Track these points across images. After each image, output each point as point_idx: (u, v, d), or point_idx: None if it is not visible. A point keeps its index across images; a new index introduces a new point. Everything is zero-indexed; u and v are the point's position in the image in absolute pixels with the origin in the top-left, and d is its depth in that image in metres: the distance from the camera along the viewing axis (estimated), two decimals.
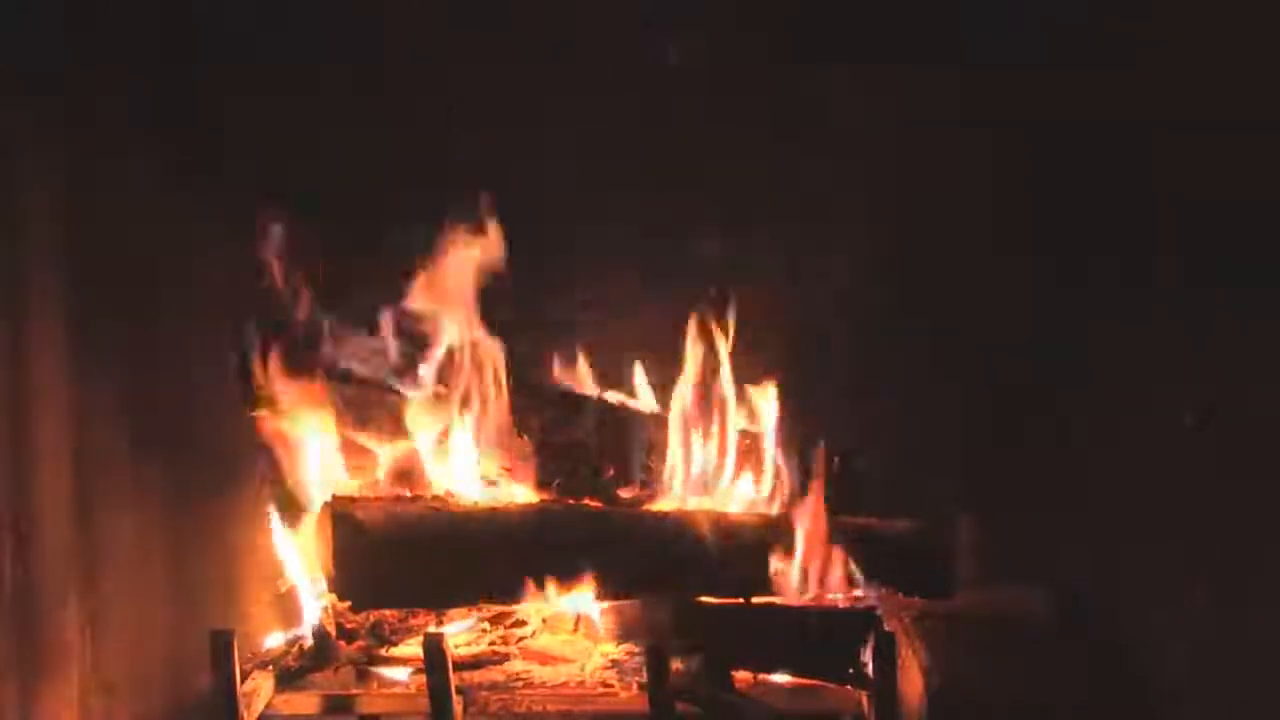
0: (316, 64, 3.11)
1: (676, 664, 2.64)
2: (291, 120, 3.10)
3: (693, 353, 3.07)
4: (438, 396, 2.99)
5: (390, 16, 3.13)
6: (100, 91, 2.86)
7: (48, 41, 2.74)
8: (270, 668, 2.75)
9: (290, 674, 2.77)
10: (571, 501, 2.97)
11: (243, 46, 3.06)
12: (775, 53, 3.19)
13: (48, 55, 2.74)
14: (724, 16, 3.16)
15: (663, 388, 3.13)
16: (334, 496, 2.84)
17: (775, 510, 3.04)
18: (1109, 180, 3.01)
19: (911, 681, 2.58)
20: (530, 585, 2.78)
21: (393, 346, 3.03)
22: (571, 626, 2.99)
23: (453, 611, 2.91)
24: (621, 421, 3.07)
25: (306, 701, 2.73)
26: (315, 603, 2.89)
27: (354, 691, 2.76)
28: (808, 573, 2.89)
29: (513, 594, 2.84)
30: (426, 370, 3.01)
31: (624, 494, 3.01)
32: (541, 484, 2.99)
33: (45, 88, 2.74)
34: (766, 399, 3.11)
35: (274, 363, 2.91)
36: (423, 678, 2.65)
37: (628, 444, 3.05)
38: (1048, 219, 3.11)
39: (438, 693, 2.60)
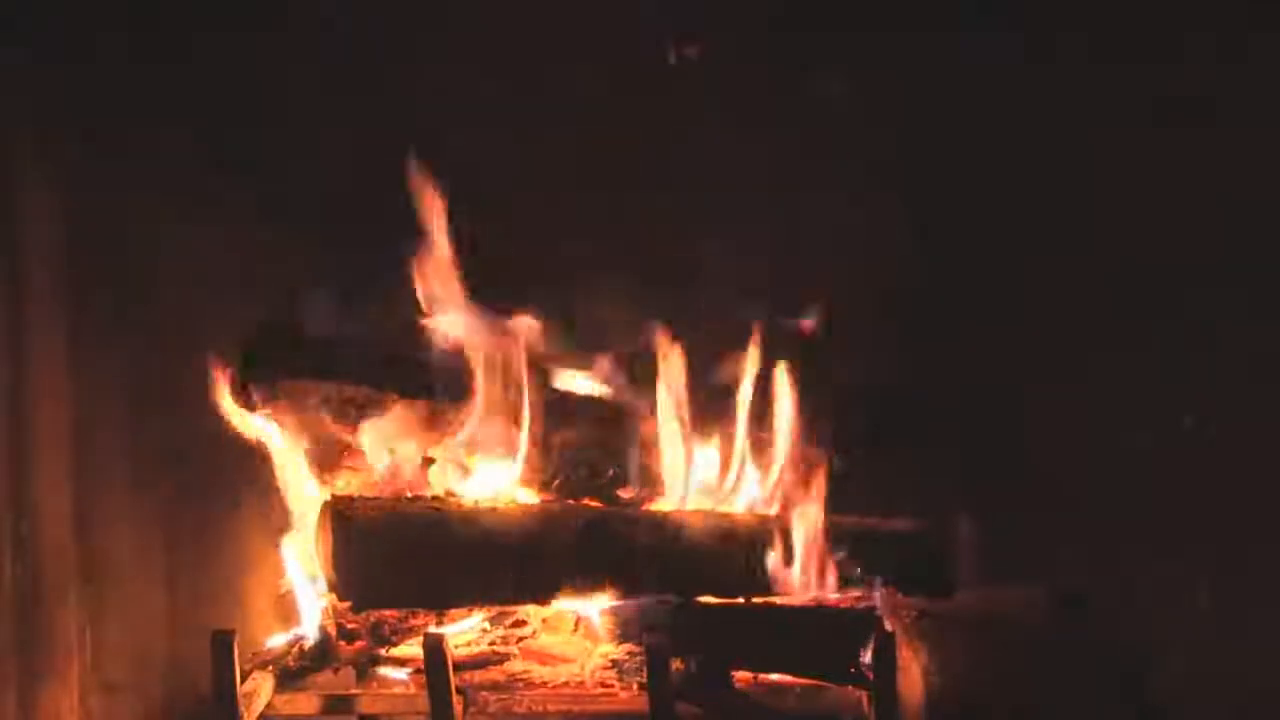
0: (317, 62, 3.12)
1: (676, 664, 2.64)
2: (294, 119, 3.10)
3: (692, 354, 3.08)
4: (439, 397, 2.99)
5: (391, 16, 3.13)
6: (101, 90, 2.86)
7: (48, 40, 2.75)
8: (270, 668, 2.75)
9: (290, 674, 2.77)
10: (571, 501, 2.97)
11: (243, 45, 3.06)
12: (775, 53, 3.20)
13: (49, 53, 2.74)
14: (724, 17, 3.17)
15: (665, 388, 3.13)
16: (334, 496, 2.84)
17: (775, 510, 3.03)
18: (1108, 178, 3.02)
19: (911, 681, 2.58)
20: (530, 586, 2.78)
21: (395, 347, 3.03)
22: (571, 626, 2.99)
23: (453, 611, 2.91)
24: (622, 422, 3.07)
25: (306, 701, 2.72)
26: (315, 603, 2.89)
27: (354, 691, 2.76)
28: (808, 573, 2.89)
29: (512, 594, 2.84)
30: (428, 370, 3.01)
31: (624, 494, 3.01)
32: (541, 484, 2.99)
33: (46, 86, 2.74)
34: (767, 399, 3.11)
35: (276, 361, 2.91)
36: (423, 678, 2.64)
37: (628, 444, 3.05)
38: (1046, 218, 3.12)
39: (438, 693, 2.60)
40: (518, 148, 3.16)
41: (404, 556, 2.75)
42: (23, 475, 2.68)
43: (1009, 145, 3.13)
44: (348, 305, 3.04)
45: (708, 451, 3.10)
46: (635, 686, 2.72)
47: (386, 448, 3.00)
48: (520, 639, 2.95)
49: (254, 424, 2.94)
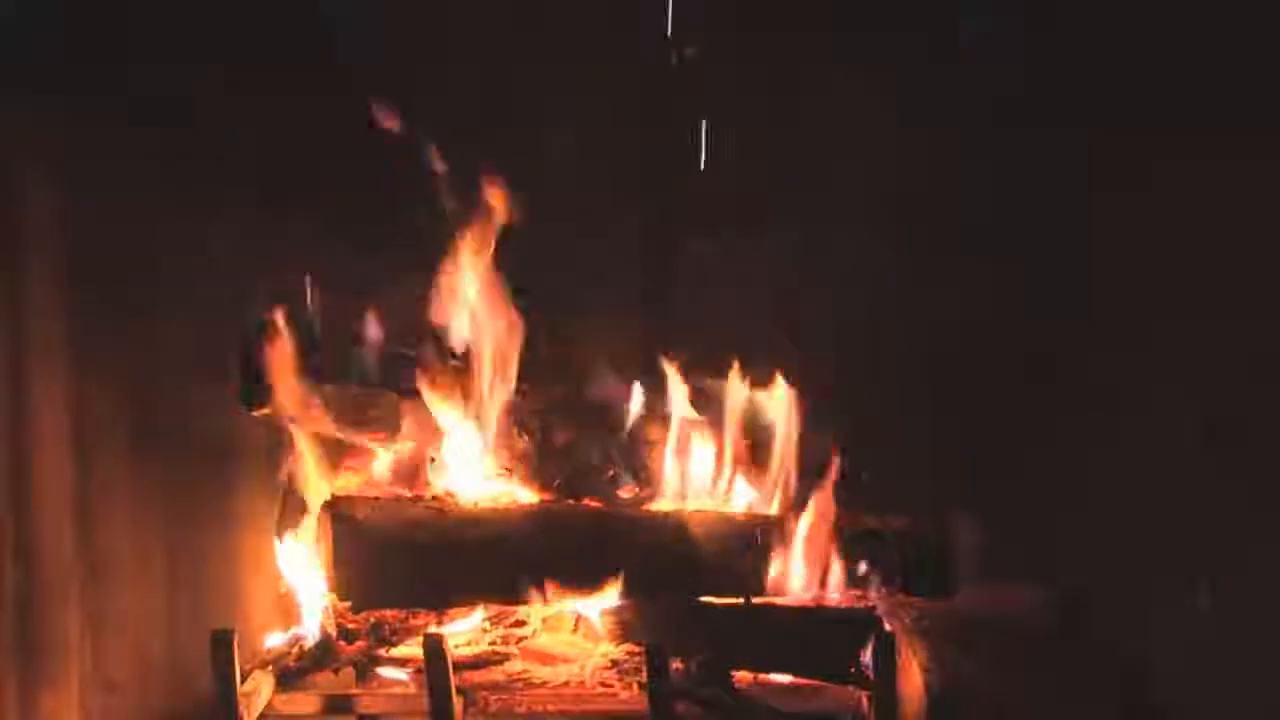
0: (317, 62, 3.12)
1: (676, 664, 2.64)
2: (293, 119, 3.10)
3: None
4: (439, 396, 2.99)
5: (390, 16, 3.14)
6: (101, 91, 2.86)
7: (49, 40, 2.75)
8: (270, 668, 2.75)
9: (290, 674, 2.77)
10: (572, 502, 2.97)
11: (243, 45, 3.06)
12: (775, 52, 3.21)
13: (48, 54, 2.74)
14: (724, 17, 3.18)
15: (665, 388, 3.14)
16: (334, 496, 2.84)
17: (776, 511, 3.03)
18: (1109, 180, 3.02)
19: (911, 681, 2.58)
20: (530, 586, 2.78)
21: (395, 346, 3.03)
22: (571, 626, 2.99)
23: (453, 611, 2.91)
24: (623, 422, 3.07)
25: (306, 701, 2.72)
26: (315, 603, 2.89)
27: (354, 691, 2.75)
28: (808, 573, 2.89)
29: (513, 594, 2.84)
30: (428, 369, 3.01)
31: (624, 494, 3.01)
32: (542, 484, 2.99)
33: (46, 86, 2.74)
34: (770, 400, 3.11)
35: (276, 362, 2.91)
36: (423, 678, 2.64)
37: (628, 444, 3.05)
38: (1048, 220, 3.12)
39: (438, 693, 2.60)
40: (516, 147, 3.16)
41: (404, 556, 2.75)
42: (23, 475, 2.68)
43: (1008, 145, 3.13)
44: (349, 305, 3.04)
45: (708, 451, 3.10)
46: (635, 686, 2.72)
47: (386, 447, 3.00)
48: (520, 639, 2.95)
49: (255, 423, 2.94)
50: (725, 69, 3.23)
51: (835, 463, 3.01)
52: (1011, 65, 3.13)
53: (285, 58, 3.09)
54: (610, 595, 2.85)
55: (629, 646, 2.87)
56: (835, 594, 2.91)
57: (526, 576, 2.78)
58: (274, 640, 2.91)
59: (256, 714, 2.64)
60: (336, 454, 3.00)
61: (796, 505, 2.98)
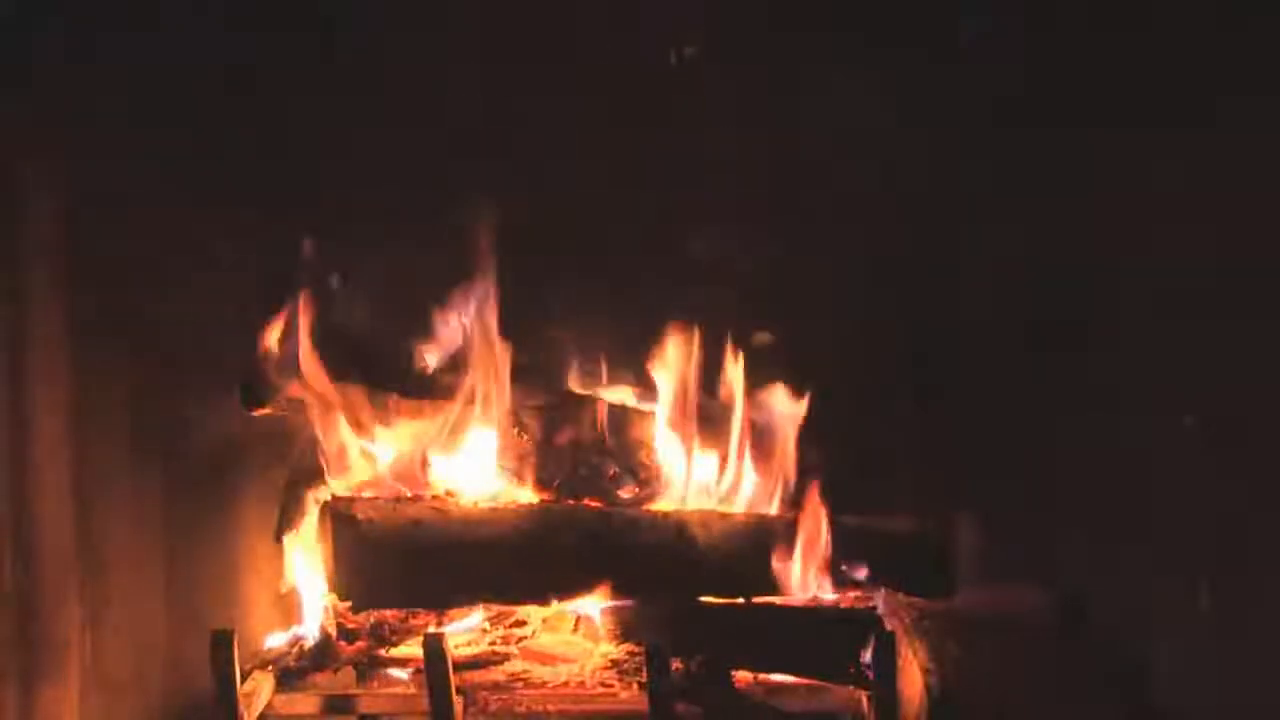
0: (317, 62, 3.12)
1: (676, 664, 2.64)
2: (291, 119, 3.10)
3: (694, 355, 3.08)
4: (439, 396, 2.99)
5: (390, 16, 3.14)
6: (101, 91, 2.86)
7: (49, 40, 2.75)
8: (270, 668, 2.75)
9: (290, 674, 2.77)
10: (572, 502, 2.98)
11: (244, 45, 3.06)
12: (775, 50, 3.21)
13: (48, 54, 2.75)
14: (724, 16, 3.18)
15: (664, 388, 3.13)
16: (334, 496, 2.85)
17: (775, 510, 3.04)
18: (1109, 180, 3.02)
19: (911, 681, 2.58)
20: (530, 586, 2.78)
21: (394, 346, 3.03)
22: (571, 626, 2.99)
23: (453, 611, 2.91)
24: (623, 421, 3.08)
25: (306, 701, 2.72)
26: (316, 603, 2.89)
27: (354, 692, 2.75)
28: (808, 573, 2.89)
29: (513, 594, 2.84)
30: (427, 370, 3.01)
31: (624, 494, 3.02)
32: (542, 484, 3.00)
33: (46, 86, 2.74)
34: (769, 400, 3.11)
35: (275, 361, 2.91)
36: (423, 678, 2.64)
37: (628, 444, 3.05)
38: (1048, 220, 3.12)
39: (438, 693, 2.60)
40: (517, 148, 3.16)
41: (404, 556, 2.75)
42: (23, 475, 2.68)
43: (1008, 145, 3.13)
44: (348, 305, 3.04)
45: (708, 451, 3.10)
46: (635, 686, 2.72)
47: (387, 447, 3.00)
48: (520, 639, 2.95)
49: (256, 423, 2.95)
50: (725, 69, 3.22)
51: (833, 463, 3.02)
52: (1011, 65, 3.13)
53: (285, 58, 3.09)
54: (610, 595, 2.85)
55: (629, 646, 2.88)
56: (835, 594, 2.91)
57: (527, 577, 2.79)
58: (274, 640, 2.91)
59: (256, 714, 2.64)
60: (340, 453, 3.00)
61: (796, 505, 2.98)
